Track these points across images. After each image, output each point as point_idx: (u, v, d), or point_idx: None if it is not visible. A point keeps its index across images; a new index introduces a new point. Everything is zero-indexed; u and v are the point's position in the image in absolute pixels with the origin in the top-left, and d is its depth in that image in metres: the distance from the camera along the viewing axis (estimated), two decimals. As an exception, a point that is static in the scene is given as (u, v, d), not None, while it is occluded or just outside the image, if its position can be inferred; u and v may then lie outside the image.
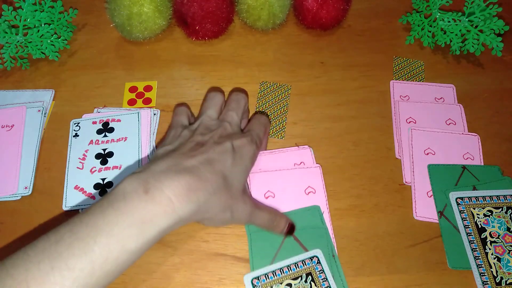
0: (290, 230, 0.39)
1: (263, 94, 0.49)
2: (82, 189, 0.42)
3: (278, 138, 0.46)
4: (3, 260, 0.28)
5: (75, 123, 0.47)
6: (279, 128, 0.47)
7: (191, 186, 0.31)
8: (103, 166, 0.44)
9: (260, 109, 0.48)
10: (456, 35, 0.51)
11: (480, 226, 0.40)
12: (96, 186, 0.42)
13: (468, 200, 0.42)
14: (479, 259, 0.39)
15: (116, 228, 0.28)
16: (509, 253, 0.39)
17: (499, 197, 0.42)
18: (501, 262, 0.38)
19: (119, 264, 0.28)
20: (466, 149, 0.45)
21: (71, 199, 0.42)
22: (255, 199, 0.41)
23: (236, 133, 0.39)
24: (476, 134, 0.46)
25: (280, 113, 0.48)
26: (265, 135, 0.43)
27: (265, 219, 0.38)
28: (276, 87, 0.50)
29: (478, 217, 0.41)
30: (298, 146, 0.45)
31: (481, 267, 0.38)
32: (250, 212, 0.36)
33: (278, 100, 0.49)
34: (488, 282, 0.38)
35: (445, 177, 0.43)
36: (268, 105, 0.48)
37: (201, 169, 0.33)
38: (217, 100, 0.42)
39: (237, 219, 0.36)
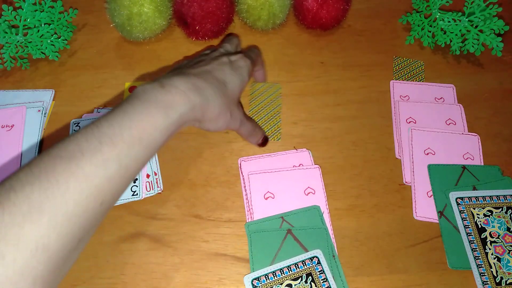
0: (264, 142, 0.45)
1: (255, 96, 0.49)
2: (82, 189, 0.42)
3: (274, 140, 0.46)
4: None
5: (75, 123, 0.47)
6: (274, 130, 0.47)
7: (199, 84, 0.36)
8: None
9: (254, 112, 0.48)
10: (456, 35, 0.51)
11: (480, 226, 0.40)
12: (96, 186, 0.42)
13: (468, 200, 0.42)
14: (479, 259, 0.39)
15: (145, 111, 0.32)
16: (509, 253, 0.39)
17: (499, 197, 0.42)
18: (501, 262, 0.38)
19: (152, 140, 0.32)
20: (466, 149, 0.45)
21: (71, 199, 0.42)
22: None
23: (230, 52, 0.44)
24: (476, 134, 0.46)
25: (273, 114, 0.48)
26: (258, 57, 0.47)
27: (249, 128, 0.43)
28: (266, 87, 0.50)
29: (478, 217, 0.41)
30: (296, 149, 0.45)
31: (481, 267, 0.38)
32: (242, 119, 0.41)
33: (270, 100, 0.49)
34: (488, 282, 0.38)
35: (445, 177, 0.43)
36: (261, 107, 0.48)
37: (204, 75, 0.38)
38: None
39: (233, 122, 0.40)
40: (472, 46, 0.50)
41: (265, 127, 0.47)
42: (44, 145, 0.46)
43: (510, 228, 0.40)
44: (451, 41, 0.51)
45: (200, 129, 0.39)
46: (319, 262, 0.38)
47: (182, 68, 0.39)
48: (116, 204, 0.41)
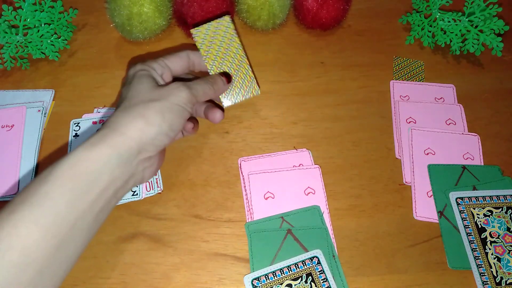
0: (227, 78, 0.42)
1: (205, 47, 0.43)
2: (82, 189, 0.42)
3: (253, 94, 0.44)
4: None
5: (75, 123, 0.47)
6: (247, 82, 0.42)
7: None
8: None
9: (214, 70, 0.43)
10: (456, 35, 0.51)
11: (480, 226, 0.40)
12: (96, 186, 0.42)
13: (468, 200, 0.42)
14: (479, 259, 0.39)
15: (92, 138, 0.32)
16: (509, 253, 0.39)
17: (499, 197, 0.42)
18: (501, 262, 0.38)
19: (106, 168, 0.32)
20: (466, 149, 0.45)
21: (71, 199, 0.42)
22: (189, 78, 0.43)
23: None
24: (476, 134, 0.46)
25: (237, 60, 0.43)
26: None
27: (202, 84, 0.39)
28: (213, 29, 0.42)
29: (478, 217, 0.41)
30: (296, 149, 0.45)
31: (481, 267, 0.38)
32: (180, 88, 0.36)
33: (226, 46, 0.43)
34: (488, 282, 0.38)
35: (445, 177, 0.43)
36: (220, 58, 0.43)
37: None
38: None
39: (173, 103, 0.35)
40: (472, 46, 0.50)
41: (238, 82, 0.43)
42: (44, 145, 0.46)
43: (510, 228, 0.40)
44: (451, 41, 0.51)
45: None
46: (319, 262, 0.38)
47: None
48: (116, 204, 0.41)
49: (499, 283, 0.37)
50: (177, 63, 0.41)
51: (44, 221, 0.29)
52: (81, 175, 0.30)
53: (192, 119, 0.43)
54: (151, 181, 0.43)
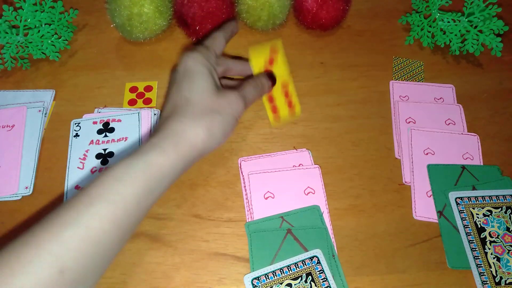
0: (272, 80, 0.45)
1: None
2: (82, 189, 0.42)
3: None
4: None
5: (75, 123, 0.47)
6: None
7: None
8: (104, 166, 0.44)
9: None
10: (456, 35, 0.51)
11: (479, 226, 0.40)
12: (97, 186, 0.43)
13: (467, 200, 0.42)
14: (478, 258, 0.39)
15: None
16: (508, 252, 0.39)
17: (498, 197, 0.42)
18: (501, 262, 0.38)
19: (164, 175, 0.34)
20: (466, 149, 0.45)
21: (71, 199, 0.42)
22: (232, 82, 0.45)
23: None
24: (475, 134, 0.46)
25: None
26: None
27: (252, 92, 0.42)
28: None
29: (478, 217, 0.41)
30: (296, 149, 0.46)
31: (481, 266, 0.38)
32: (238, 100, 0.39)
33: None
34: (488, 282, 0.38)
35: (444, 177, 0.43)
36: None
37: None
38: None
39: (232, 116, 0.39)
40: (472, 46, 0.50)
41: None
42: (45, 145, 0.46)
43: (509, 228, 0.40)
44: (450, 41, 0.51)
45: None
46: (319, 262, 0.38)
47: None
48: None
49: (499, 283, 0.38)
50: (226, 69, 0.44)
51: (116, 217, 0.32)
52: (152, 179, 0.33)
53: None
54: (152, 181, 0.43)
